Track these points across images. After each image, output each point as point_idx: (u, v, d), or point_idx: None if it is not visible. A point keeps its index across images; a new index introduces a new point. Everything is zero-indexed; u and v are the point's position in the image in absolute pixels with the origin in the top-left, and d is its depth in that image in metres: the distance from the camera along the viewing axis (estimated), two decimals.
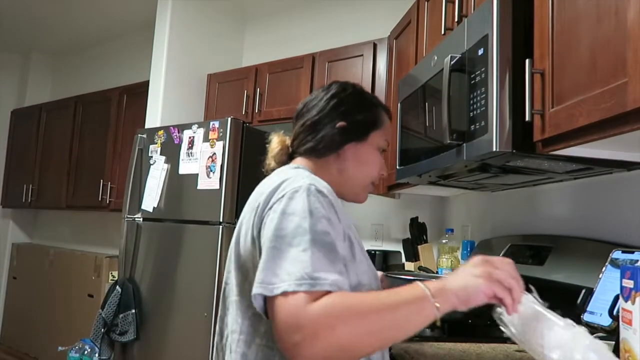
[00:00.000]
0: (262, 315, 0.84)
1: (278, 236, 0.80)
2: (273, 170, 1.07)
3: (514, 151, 1.20)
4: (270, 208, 0.86)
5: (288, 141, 1.10)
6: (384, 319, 0.75)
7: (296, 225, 0.80)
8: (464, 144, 1.36)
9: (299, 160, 1.06)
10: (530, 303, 0.81)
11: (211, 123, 2.44)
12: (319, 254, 0.77)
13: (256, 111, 3.02)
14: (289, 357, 0.74)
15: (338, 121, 1.04)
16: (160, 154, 2.64)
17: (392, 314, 0.75)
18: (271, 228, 0.82)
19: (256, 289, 0.77)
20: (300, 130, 1.07)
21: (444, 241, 2.24)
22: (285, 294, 0.73)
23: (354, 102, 1.08)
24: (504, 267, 0.79)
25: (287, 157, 1.09)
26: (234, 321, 0.94)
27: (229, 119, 2.40)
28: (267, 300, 0.77)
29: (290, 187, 0.86)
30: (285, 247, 0.78)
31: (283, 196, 0.85)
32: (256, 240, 0.87)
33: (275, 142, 1.10)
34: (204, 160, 2.43)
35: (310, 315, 0.71)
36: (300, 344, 0.70)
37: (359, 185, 1.08)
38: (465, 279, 0.77)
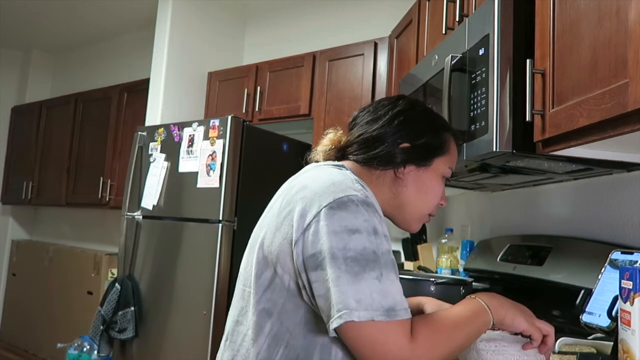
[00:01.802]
0: (273, 315, 0.85)
1: (347, 257, 0.78)
2: (314, 161, 1.03)
3: (514, 151, 1.20)
4: (317, 214, 0.81)
5: (343, 142, 1.02)
6: (461, 336, 0.85)
7: (363, 246, 0.79)
8: (464, 144, 1.36)
9: (347, 163, 0.99)
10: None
11: (211, 121, 2.44)
12: (391, 278, 0.80)
13: (256, 109, 3.02)
14: None
15: (401, 141, 0.96)
16: (160, 152, 2.64)
17: (466, 330, 0.85)
18: (334, 245, 0.78)
19: (340, 316, 0.76)
20: (355, 140, 0.99)
21: (443, 241, 2.24)
22: (372, 322, 0.76)
23: (421, 122, 1.00)
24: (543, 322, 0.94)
25: (335, 158, 1.02)
26: (242, 312, 0.92)
27: (229, 117, 2.39)
28: (345, 325, 0.77)
29: (343, 193, 0.82)
30: (359, 271, 0.77)
31: (334, 202, 0.81)
32: (296, 243, 0.82)
33: (328, 139, 1.03)
34: (204, 158, 2.42)
35: (409, 352, 0.77)
36: None
37: (414, 213, 1.00)
38: (518, 313, 0.91)
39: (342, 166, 0.96)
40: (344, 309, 0.76)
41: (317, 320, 0.84)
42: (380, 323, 0.76)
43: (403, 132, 0.97)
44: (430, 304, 1.10)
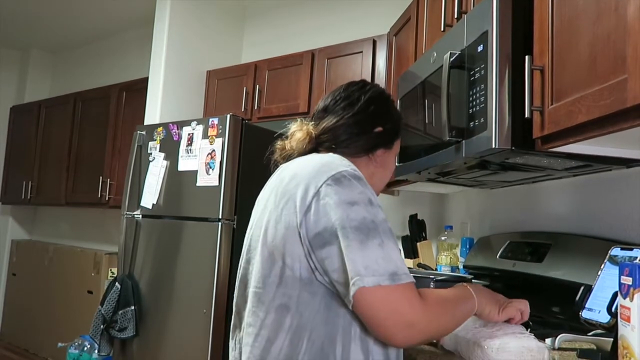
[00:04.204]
0: (291, 309, 0.85)
1: (352, 227, 0.82)
2: (286, 156, 1.05)
3: (513, 148, 1.20)
4: (316, 194, 0.85)
5: (313, 132, 1.05)
6: (458, 313, 0.92)
7: (362, 216, 0.83)
8: (463, 141, 1.36)
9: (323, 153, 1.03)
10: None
11: (210, 120, 2.44)
12: (390, 245, 0.84)
13: (255, 108, 3.01)
14: (387, 342, 0.84)
15: (376, 126, 1.06)
16: (160, 151, 2.64)
17: (461, 308, 0.93)
18: (337, 218, 0.82)
19: (354, 283, 0.79)
20: (332, 126, 1.03)
21: (443, 238, 2.24)
22: (380, 287, 0.79)
23: (388, 108, 1.11)
24: (517, 305, 1.03)
25: (308, 147, 1.05)
26: (252, 314, 0.92)
27: (228, 115, 2.39)
28: (358, 292, 0.80)
29: (335, 170, 0.87)
30: (363, 239, 0.81)
31: (329, 179, 0.86)
32: (301, 225, 0.85)
33: (302, 132, 1.05)
34: (203, 157, 2.42)
35: (421, 313, 0.81)
36: (412, 336, 0.82)
37: (380, 188, 1.11)
38: (493, 306, 1.00)
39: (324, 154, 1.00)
40: (356, 276, 0.79)
41: (334, 304, 0.86)
42: (388, 287, 0.80)
43: (377, 117, 1.06)
44: None
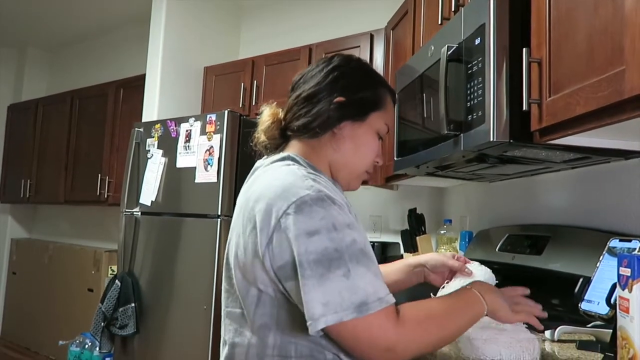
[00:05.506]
0: (272, 328, 0.84)
1: (310, 261, 0.77)
2: (263, 145, 1.01)
3: (511, 141, 1.20)
4: (277, 225, 0.80)
5: (281, 114, 1.01)
6: (453, 325, 0.87)
7: (324, 247, 0.77)
8: (461, 134, 1.36)
9: (292, 147, 0.99)
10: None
11: (208, 116, 2.43)
12: (360, 271, 0.79)
13: (253, 104, 3.01)
14: None
15: (336, 96, 0.95)
16: (158, 148, 2.63)
17: (459, 319, 0.88)
18: (295, 252, 0.78)
19: (309, 325, 0.77)
20: (294, 102, 0.98)
21: (442, 232, 2.25)
22: (344, 323, 0.76)
23: (356, 77, 1.00)
24: (523, 302, 0.98)
25: (278, 131, 1.00)
26: (238, 333, 0.91)
27: (226, 111, 2.39)
28: (325, 329, 0.78)
29: (296, 196, 0.81)
30: (324, 272, 0.77)
31: (289, 208, 0.80)
32: (264, 257, 0.82)
33: (267, 115, 1.01)
34: (201, 153, 2.42)
35: (396, 337, 0.79)
36: (393, 358, 0.80)
37: (354, 171, 1.00)
38: (507, 307, 0.94)
39: (287, 157, 0.94)
40: (310, 320, 0.76)
41: None
42: (354, 320, 0.76)
43: (338, 87, 0.96)
44: (431, 262, 1.16)
